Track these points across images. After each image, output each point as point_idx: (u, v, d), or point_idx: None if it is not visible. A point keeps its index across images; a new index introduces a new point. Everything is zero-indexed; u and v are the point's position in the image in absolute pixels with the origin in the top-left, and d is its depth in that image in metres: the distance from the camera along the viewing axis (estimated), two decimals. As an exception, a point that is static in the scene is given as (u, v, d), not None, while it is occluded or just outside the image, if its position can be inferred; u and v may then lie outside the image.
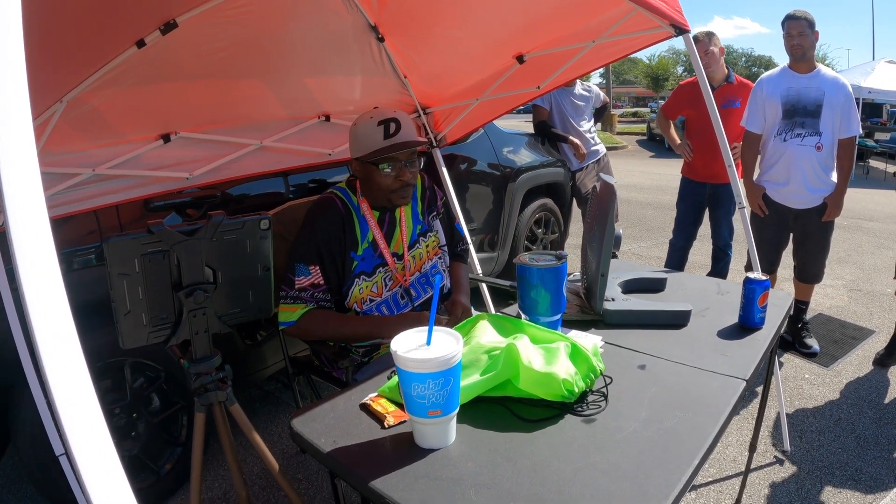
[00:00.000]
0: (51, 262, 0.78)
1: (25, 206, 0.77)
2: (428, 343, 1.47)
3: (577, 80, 6.03)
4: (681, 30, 2.93)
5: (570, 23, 3.30)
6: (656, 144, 25.61)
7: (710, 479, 3.29)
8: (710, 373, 1.90)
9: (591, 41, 3.29)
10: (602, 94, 6.57)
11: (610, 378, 1.83)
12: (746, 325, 2.26)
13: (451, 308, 2.77)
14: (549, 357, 1.72)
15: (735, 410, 1.74)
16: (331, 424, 1.66)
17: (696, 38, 4.85)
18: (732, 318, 2.33)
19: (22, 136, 0.78)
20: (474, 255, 4.14)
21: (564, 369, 1.68)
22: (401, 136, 2.50)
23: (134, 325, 1.83)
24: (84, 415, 0.76)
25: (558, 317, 2.10)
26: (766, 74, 4.61)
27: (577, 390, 1.67)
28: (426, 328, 1.51)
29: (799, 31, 4.25)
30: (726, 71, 5.08)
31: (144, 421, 3.13)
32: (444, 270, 2.91)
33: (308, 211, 2.65)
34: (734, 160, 4.43)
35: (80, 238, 2.89)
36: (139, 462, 3.10)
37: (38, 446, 2.73)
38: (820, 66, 4.36)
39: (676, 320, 2.30)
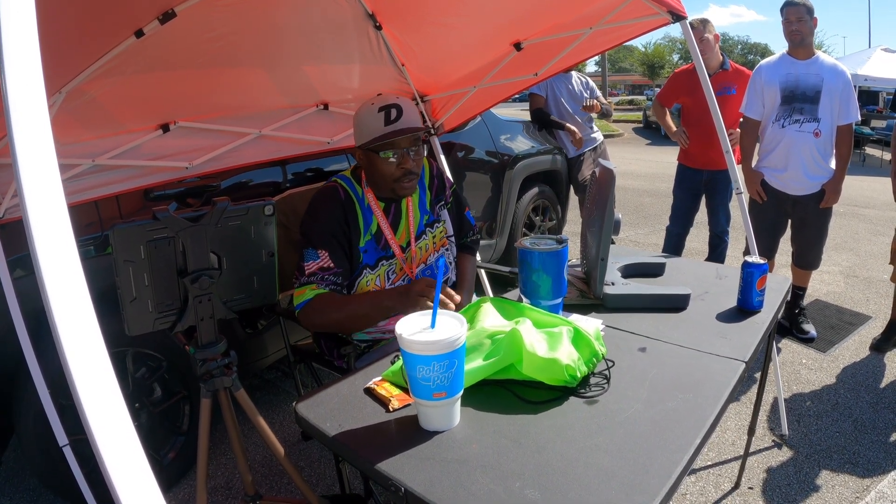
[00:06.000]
0: (70, 252, 0.79)
1: (44, 196, 0.79)
2: (432, 326, 1.48)
3: (573, 68, 6.04)
4: (678, 16, 2.94)
5: (567, 10, 3.30)
6: (652, 132, 25.60)
7: (710, 463, 3.32)
8: (709, 355, 1.92)
9: (588, 28, 3.29)
10: (597, 91, 6.53)
11: (612, 362, 1.85)
12: (745, 308, 2.29)
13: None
14: (552, 342, 1.74)
15: (734, 392, 1.76)
16: (335, 409, 1.68)
17: (690, 26, 4.85)
18: (731, 302, 2.35)
19: (39, 128, 0.79)
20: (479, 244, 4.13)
21: (567, 354, 1.70)
22: (402, 123, 2.44)
23: (140, 311, 1.84)
24: (106, 403, 0.78)
25: (559, 300, 2.11)
26: (765, 61, 4.62)
27: (579, 375, 1.69)
28: (430, 312, 1.52)
29: (797, 17, 4.26)
30: (721, 58, 5.08)
31: (147, 411, 3.13)
32: (450, 262, 2.85)
33: (311, 199, 2.61)
34: (731, 146, 4.46)
35: (80, 229, 2.87)
36: (142, 452, 3.10)
37: (42, 438, 2.74)
38: (819, 53, 4.37)
39: (676, 304, 2.32)
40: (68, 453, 2.59)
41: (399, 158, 2.49)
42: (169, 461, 3.23)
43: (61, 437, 2.58)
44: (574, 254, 2.81)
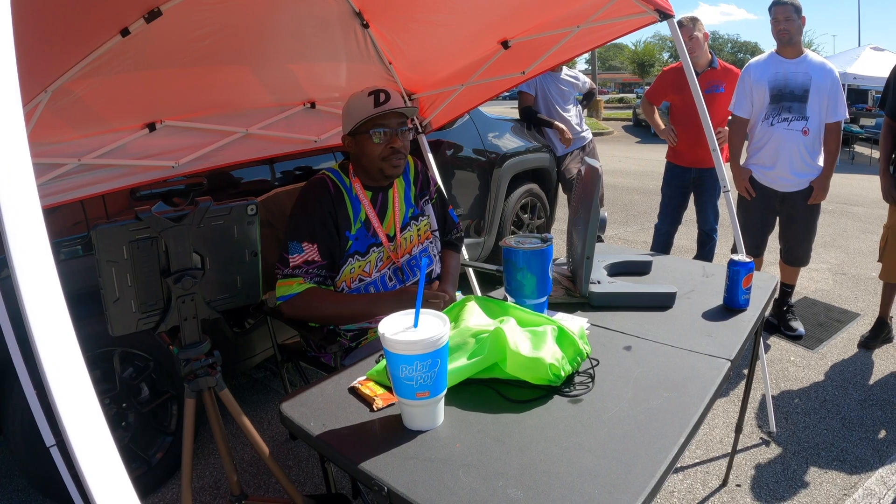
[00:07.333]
0: (45, 256, 0.79)
1: (19, 198, 0.78)
2: (415, 325, 1.48)
3: (563, 66, 6.05)
4: (665, 15, 2.95)
5: (554, 8, 3.30)
6: (642, 130, 25.62)
7: (697, 460, 3.32)
8: (695, 353, 1.93)
9: (575, 26, 3.30)
10: (588, 81, 6.58)
11: (597, 360, 1.85)
12: (731, 306, 2.29)
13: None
14: (535, 341, 1.74)
15: (720, 390, 1.76)
16: (320, 408, 1.67)
17: (679, 24, 4.88)
18: (717, 300, 2.35)
19: (13, 129, 0.78)
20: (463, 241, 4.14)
21: (551, 353, 1.70)
22: (390, 105, 2.56)
23: (123, 312, 1.83)
24: (81, 407, 0.77)
25: (544, 299, 2.12)
26: (753, 60, 4.64)
27: (563, 374, 1.69)
28: (413, 311, 1.52)
29: (785, 17, 4.27)
30: (710, 56, 5.10)
31: (134, 411, 3.13)
32: (433, 255, 2.92)
33: (300, 191, 2.67)
34: (719, 144, 4.47)
35: (66, 228, 2.87)
36: (130, 452, 3.09)
37: (30, 439, 2.73)
38: (807, 52, 4.40)
39: (662, 302, 2.32)
40: (55, 454, 2.58)
41: (387, 138, 2.59)
42: (157, 461, 3.22)
43: (48, 438, 2.57)
44: (561, 252, 2.81)
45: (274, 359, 3.05)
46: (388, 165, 2.61)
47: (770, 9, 4.39)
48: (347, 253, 2.61)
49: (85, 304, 2.10)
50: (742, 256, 2.30)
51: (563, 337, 1.78)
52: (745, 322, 2.19)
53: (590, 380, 1.75)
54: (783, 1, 4.27)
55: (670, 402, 1.64)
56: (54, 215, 2.82)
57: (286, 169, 3.76)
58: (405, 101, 4.07)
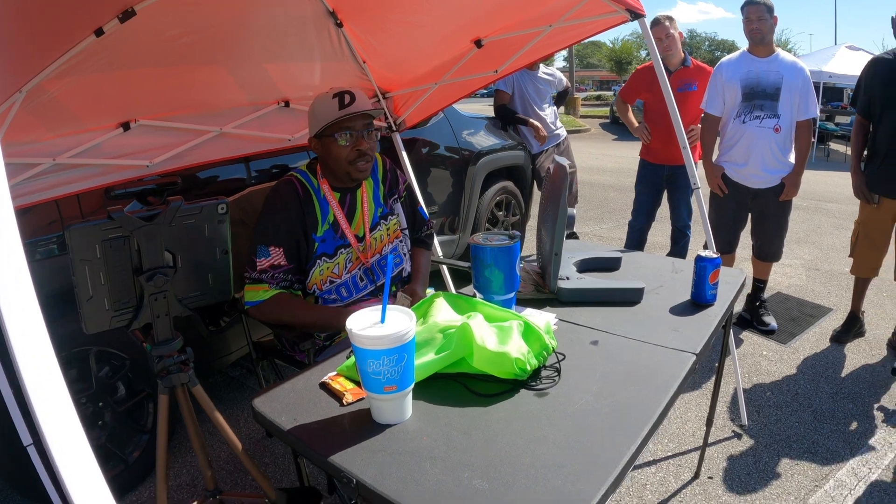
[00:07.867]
0: (18, 257, 0.80)
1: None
2: (382, 321, 1.51)
3: (540, 64, 6.08)
4: (636, 14, 2.98)
5: (527, 7, 3.33)
6: (619, 127, 25.59)
7: (670, 453, 3.36)
8: (660, 347, 1.96)
9: (548, 25, 3.33)
10: (564, 79, 6.62)
11: (563, 355, 1.88)
12: (698, 301, 2.32)
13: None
14: (502, 336, 1.77)
15: (685, 384, 1.79)
16: (291, 403, 1.70)
17: (656, 21, 4.94)
18: (685, 296, 2.39)
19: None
20: (434, 238, 4.14)
21: (517, 348, 1.72)
22: (355, 107, 2.54)
23: (96, 309, 1.85)
24: (56, 407, 0.79)
25: (512, 295, 2.14)
26: (725, 58, 4.69)
27: (529, 368, 1.72)
28: (380, 307, 1.55)
29: (758, 16, 4.32)
30: (683, 55, 5.14)
31: (111, 409, 3.12)
32: (404, 254, 2.93)
33: (268, 194, 2.68)
34: (692, 142, 4.52)
35: (41, 228, 2.86)
36: (107, 451, 3.10)
37: (8, 440, 2.72)
38: (779, 51, 4.45)
39: (629, 298, 2.35)
40: (32, 453, 2.58)
41: (353, 140, 2.57)
42: (134, 459, 3.21)
43: (25, 437, 2.57)
44: (534, 248, 2.84)
45: (249, 356, 3.06)
46: (355, 170, 2.61)
47: (742, 8, 4.43)
48: (315, 255, 2.62)
49: (61, 303, 2.11)
50: (709, 252, 2.34)
51: (529, 332, 1.81)
52: (712, 317, 2.23)
53: (556, 374, 1.78)
54: (756, 1, 4.32)
55: (635, 395, 1.67)
56: (29, 215, 2.81)
57: (261, 167, 3.76)
58: (379, 98, 4.10)
